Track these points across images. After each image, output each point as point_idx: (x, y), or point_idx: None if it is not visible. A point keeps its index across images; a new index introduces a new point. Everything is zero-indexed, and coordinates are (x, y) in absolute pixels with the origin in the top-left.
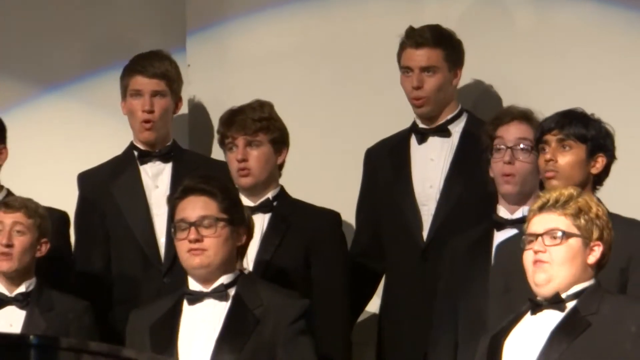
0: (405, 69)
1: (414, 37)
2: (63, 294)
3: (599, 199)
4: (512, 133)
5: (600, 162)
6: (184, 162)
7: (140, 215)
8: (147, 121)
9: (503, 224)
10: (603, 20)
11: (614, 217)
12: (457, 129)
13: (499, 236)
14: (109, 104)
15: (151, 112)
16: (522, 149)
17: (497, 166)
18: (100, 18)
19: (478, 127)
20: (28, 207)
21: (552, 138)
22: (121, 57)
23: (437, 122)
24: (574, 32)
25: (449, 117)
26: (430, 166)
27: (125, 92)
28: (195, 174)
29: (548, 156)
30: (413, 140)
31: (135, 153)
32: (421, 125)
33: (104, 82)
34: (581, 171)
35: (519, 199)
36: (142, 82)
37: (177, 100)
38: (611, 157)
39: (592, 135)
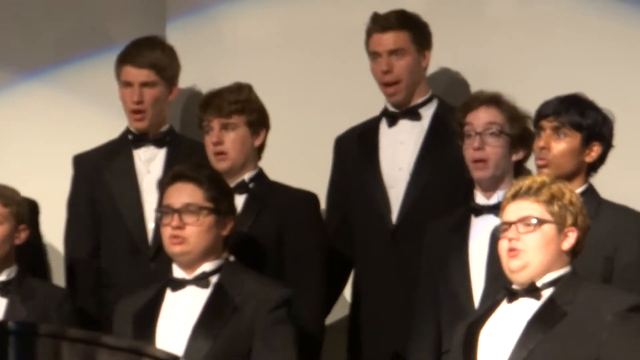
0: (373, 55)
1: (379, 22)
2: (43, 282)
3: (591, 186)
4: (480, 118)
5: (596, 150)
6: (178, 148)
7: (130, 199)
8: (136, 112)
9: (480, 210)
10: (575, 5)
11: (604, 204)
12: (427, 112)
13: (477, 222)
14: (88, 91)
15: (140, 102)
16: (491, 134)
17: (468, 153)
18: (79, 4)
19: (449, 113)
20: (4, 195)
21: (547, 124)
22: (99, 44)
23: (408, 105)
24: (547, 19)
25: (419, 100)
26: (400, 149)
27: (118, 80)
28: (188, 161)
29: (541, 143)
30: (383, 123)
31: (130, 137)
32: (391, 109)
33: (82, 68)
34: (574, 160)
35: (493, 184)
36: (131, 73)
37: (172, 86)
38: (608, 146)
39: (587, 124)
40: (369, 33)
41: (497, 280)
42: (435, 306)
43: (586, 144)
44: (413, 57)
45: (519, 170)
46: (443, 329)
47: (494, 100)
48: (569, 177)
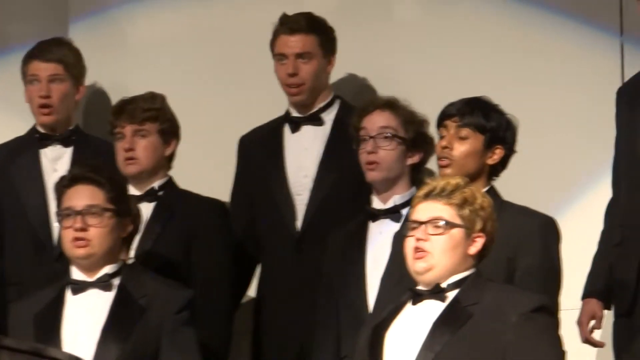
0: (279, 56)
1: (288, 24)
2: None
3: (493, 188)
4: (374, 122)
5: (498, 153)
6: (85, 147)
7: (35, 198)
8: (44, 106)
9: (376, 214)
10: (482, 11)
11: (505, 205)
12: (330, 117)
13: (374, 227)
14: None
15: (48, 97)
16: (384, 137)
17: (362, 156)
18: None
19: (351, 114)
20: None
21: (451, 124)
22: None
23: (310, 111)
24: (453, 24)
25: (321, 105)
26: (304, 155)
27: (25, 79)
28: (85, 163)
29: (444, 143)
30: (287, 129)
31: (36, 136)
32: (294, 114)
33: None
34: (476, 161)
35: (387, 187)
36: (38, 67)
37: (79, 85)
38: (510, 150)
39: (491, 127)
40: (276, 34)
41: (400, 284)
42: (335, 314)
43: (488, 146)
44: (319, 61)
45: (415, 174)
46: (341, 335)
47: (389, 105)
48: (471, 178)
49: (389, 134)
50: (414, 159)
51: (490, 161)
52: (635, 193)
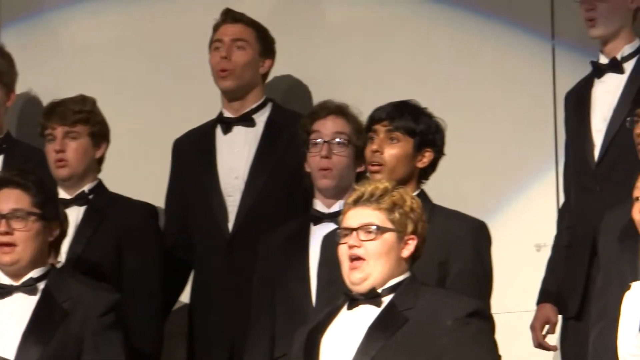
0: (216, 42)
1: (232, 14)
2: None
3: (423, 192)
4: (328, 127)
5: (428, 156)
6: (16, 154)
7: None
8: None
9: (320, 217)
10: (414, 15)
11: (436, 209)
12: (261, 118)
13: (316, 230)
14: None
15: None
16: (338, 143)
17: (314, 160)
18: None
19: (283, 116)
20: None
21: (381, 129)
22: None
23: (242, 111)
24: (385, 27)
25: (253, 106)
26: (236, 157)
27: None
28: (12, 167)
29: (374, 147)
30: (219, 130)
31: None
32: (226, 115)
33: None
34: (406, 165)
35: (336, 193)
36: None
37: (9, 91)
38: (439, 153)
39: (421, 130)
40: (217, 27)
41: (332, 285)
42: (271, 314)
43: (418, 149)
44: (254, 53)
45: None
46: (278, 335)
47: (342, 111)
48: (402, 182)
49: (343, 140)
50: (361, 168)
51: (420, 164)
52: (583, 197)
